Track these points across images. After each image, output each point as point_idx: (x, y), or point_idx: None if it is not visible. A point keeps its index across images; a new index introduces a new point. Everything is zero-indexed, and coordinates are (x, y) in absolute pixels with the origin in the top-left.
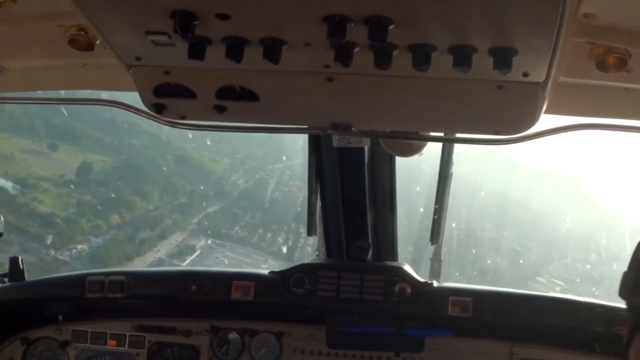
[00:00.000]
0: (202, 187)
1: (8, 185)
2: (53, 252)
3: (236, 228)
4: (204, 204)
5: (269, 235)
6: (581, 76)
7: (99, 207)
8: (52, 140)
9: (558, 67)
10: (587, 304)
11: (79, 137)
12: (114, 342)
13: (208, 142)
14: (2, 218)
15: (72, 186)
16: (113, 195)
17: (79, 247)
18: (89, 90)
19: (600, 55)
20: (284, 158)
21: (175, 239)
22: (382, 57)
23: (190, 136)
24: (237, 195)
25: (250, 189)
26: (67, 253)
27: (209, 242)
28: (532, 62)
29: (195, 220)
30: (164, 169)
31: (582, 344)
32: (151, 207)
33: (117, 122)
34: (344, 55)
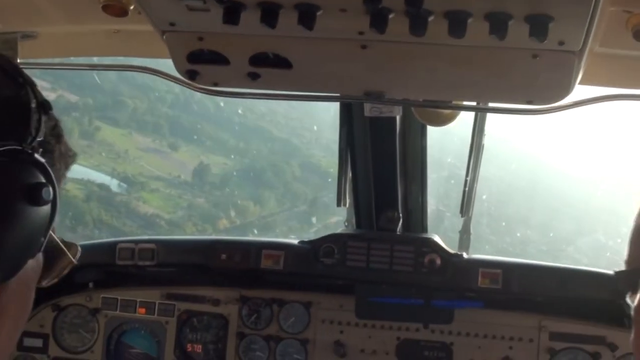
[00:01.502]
0: (325, 197)
1: (113, 182)
2: None
3: None
4: (326, 214)
5: None
6: (618, 46)
7: (209, 211)
8: (175, 140)
9: (594, 36)
10: None
11: (205, 139)
12: (144, 310)
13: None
14: (79, 248)
15: (185, 187)
16: (226, 199)
17: None
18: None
19: (638, 24)
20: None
21: None
22: (418, 24)
23: (322, 142)
24: None
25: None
26: None
27: None
28: (568, 30)
29: (314, 229)
30: (287, 174)
31: (612, 317)
32: (265, 213)
33: (248, 126)
34: (379, 21)
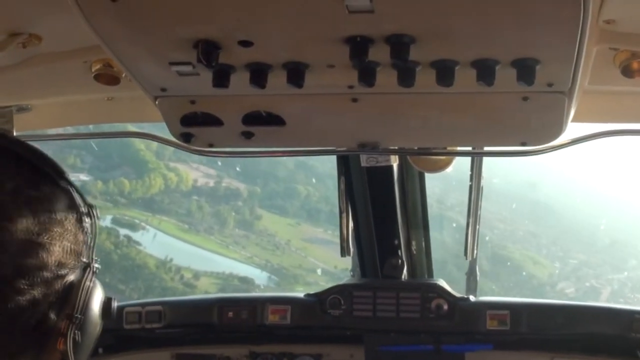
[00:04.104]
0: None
1: (262, 275)
2: None
3: None
4: None
5: None
6: (607, 83)
7: None
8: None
9: (583, 75)
10: (627, 311)
11: None
12: None
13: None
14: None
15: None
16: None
17: None
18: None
19: (625, 60)
20: (629, 266)
21: None
22: (406, 75)
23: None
24: None
25: (577, 299)
26: None
27: None
28: (556, 71)
29: None
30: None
31: (623, 352)
32: None
33: (431, 216)
34: (367, 75)
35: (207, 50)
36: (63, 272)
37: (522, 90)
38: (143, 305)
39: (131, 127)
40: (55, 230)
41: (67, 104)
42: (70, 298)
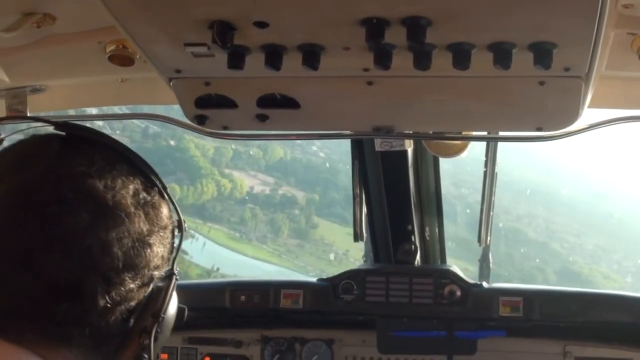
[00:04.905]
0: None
1: None
2: None
3: None
4: None
5: None
6: (624, 68)
7: None
8: None
9: (600, 60)
10: None
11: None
12: (166, 356)
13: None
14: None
15: None
16: None
17: None
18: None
19: None
20: None
21: None
22: (422, 58)
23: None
24: None
25: None
26: None
27: None
28: (573, 56)
29: None
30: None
31: (637, 340)
32: None
33: (498, 227)
34: (383, 57)
35: (222, 31)
36: (157, 274)
37: (539, 75)
38: None
39: (145, 110)
40: (160, 234)
41: (81, 85)
42: (157, 299)
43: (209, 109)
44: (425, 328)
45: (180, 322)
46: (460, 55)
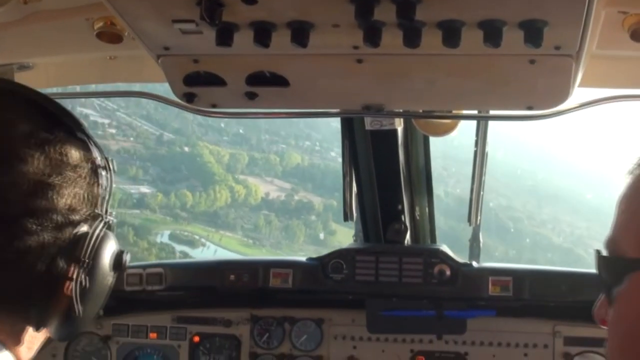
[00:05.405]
0: None
1: None
2: None
3: None
4: None
5: None
6: (615, 47)
7: None
8: None
9: (591, 39)
10: None
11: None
12: (155, 335)
13: None
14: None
15: None
16: None
17: None
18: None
19: (634, 24)
20: None
21: None
22: (412, 36)
23: None
24: None
25: None
26: None
27: None
28: (564, 34)
29: None
30: None
31: None
32: None
33: (524, 232)
34: (372, 35)
35: (211, 8)
36: (75, 218)
37: (529, 53)
38: (144, 267)
39: (134, 88)
40: (67, 174)
41: (69, 62)
42: (80, 245)
43: (197, 87)
44: (415, 307)
45: (120, 267)
46: (450, 33)
